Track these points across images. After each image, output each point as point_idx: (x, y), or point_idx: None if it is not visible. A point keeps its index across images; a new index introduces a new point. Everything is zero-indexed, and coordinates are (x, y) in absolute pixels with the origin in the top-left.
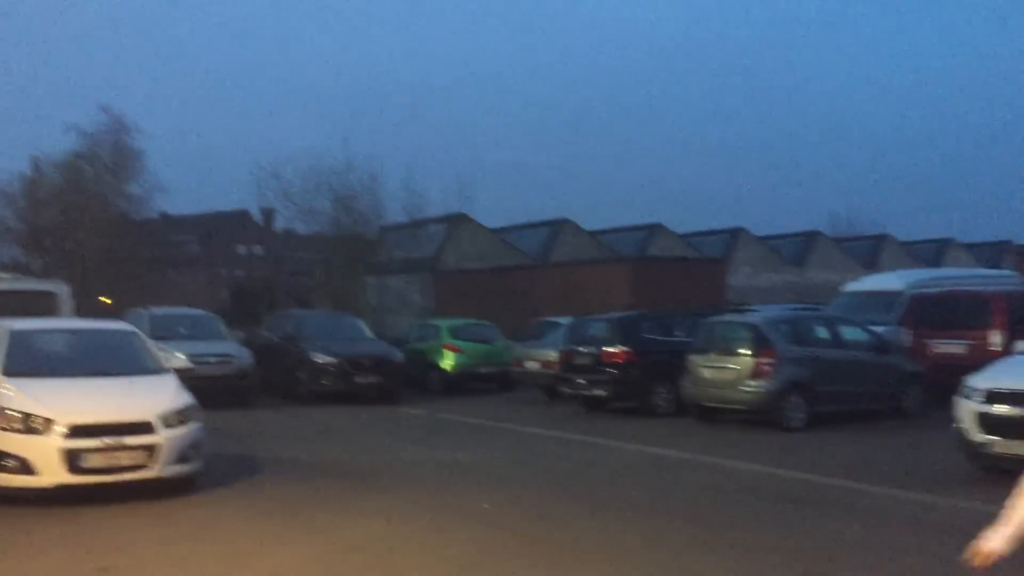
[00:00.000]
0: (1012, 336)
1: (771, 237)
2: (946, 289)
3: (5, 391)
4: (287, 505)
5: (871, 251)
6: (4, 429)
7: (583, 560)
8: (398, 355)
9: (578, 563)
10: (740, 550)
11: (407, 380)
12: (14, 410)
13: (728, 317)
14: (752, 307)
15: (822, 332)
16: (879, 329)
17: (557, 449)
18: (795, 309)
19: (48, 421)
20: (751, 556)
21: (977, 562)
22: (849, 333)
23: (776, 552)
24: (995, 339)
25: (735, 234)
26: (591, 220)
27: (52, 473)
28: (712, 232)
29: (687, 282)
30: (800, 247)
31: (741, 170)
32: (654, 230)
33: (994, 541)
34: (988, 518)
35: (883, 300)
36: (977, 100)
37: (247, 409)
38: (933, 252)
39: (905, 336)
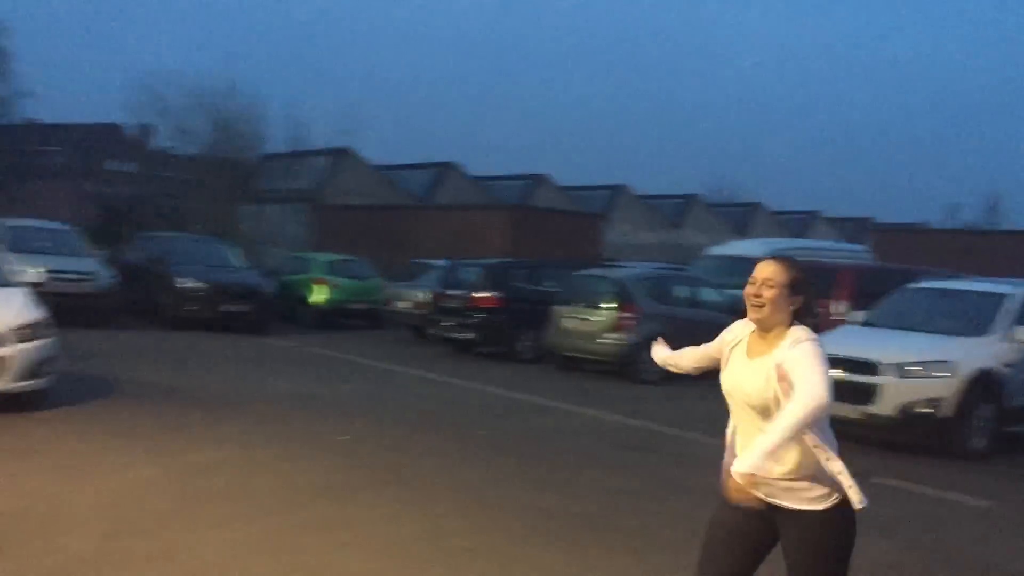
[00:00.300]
0: (856, 308)
1: (651, 197)
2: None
3: None
4: (138, 427)
5: (743, 218)
6: None
7: (427, 491)
8: (269, 285)
9: (420, 493)
10: (571, 487)
11: (278, 312)
12: None
13: (594, 271)
14: (622, 264)
15: (682, 292)
16: (737, 292)
17: (419, 388)
18: (659, 268)
19: None
20: (577, 494)
21: (738, 493)
22: (707, 295)
23: (606, 492)
24: (839, 309)
25: (617, 191)
26: (477, 166)
27: None
28: (595, 187)
29: (565, 234)
30: (678, 209)
31: (628, 129)
32: (538, 181)
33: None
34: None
35: (742, 265)
36: (860, 82)
37: (107, 330)
38: (801, 224)
39: None
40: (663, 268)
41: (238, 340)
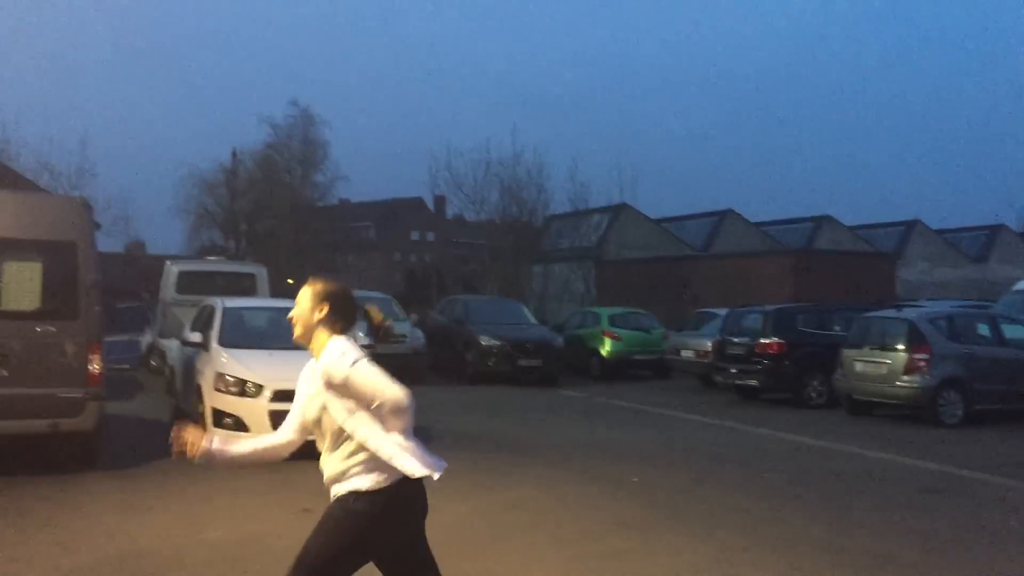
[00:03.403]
0: None
1: (950, 230)
2: None
3: (222, 359)
4: (454, 469)
5: None
6: (221, 391)
7: (712, 525)
8: (559, 340)
9: (707, 527)
10: (865, 528)
11: (567, 365)
12: (231, 375)
13: (884, 312)
14: (917, 303)
15: (983, 329)
16: None
17: (705, 434)
18: (957, 307)
19: (259, 386)
20: (872, 534)
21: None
22: (1013, 332)
23: (909, 534)
24: None
25: (910, 227)
26: (757, 212)
27: (261, 430)
28: (886, 225)
29: (853, 276)
30: (981, 242)
31: (921, 160)
32: (822, 222)
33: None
34: None
35: None
36: None
37: (419, 386)
38: None
39: None
40: (963, 306)
41: (533, 392)
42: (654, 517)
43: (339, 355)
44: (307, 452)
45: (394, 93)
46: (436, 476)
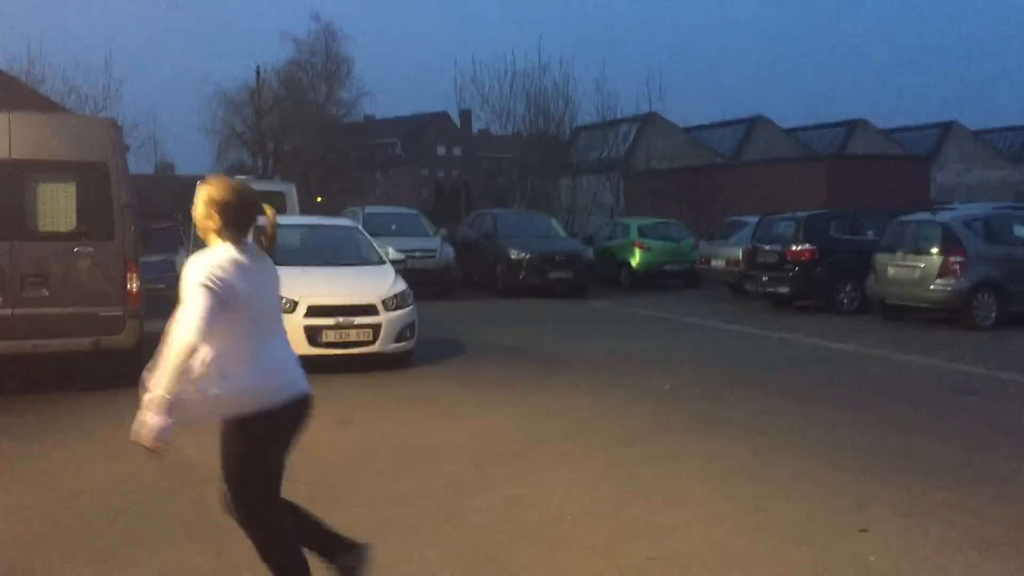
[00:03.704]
0: None
1: (989, 131)
2: None
3: None
4: (489, 379)
5: None
6: None
7: (744, 428)
8: (588, 252)
9: (740, 431)
10: (895, 428)
11: (597, 276)
12: None
13: (917, 216)
14: (951, 206)
15: (1020, 231)
16: None
17: (737, 341)
18: (994, 208)
19: (293, 303)
20: (901, 433)
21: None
22: None
23: (939, 432)
24: None
25: (945, 128)
26: (789, 118)
27: (296, 346)
28: (920, 127)
29: (886, 181)
30: (1021, 141)
31: (956, 59)
32: (855, 126)
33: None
34: None
35: None
36: None
37: (449, 300)
38: None
39: None
40: (1000, 208)
41: (563, 304)
42: (687, 422)
43: (194, 266)
44: (338, 366)
45: (417, 5)
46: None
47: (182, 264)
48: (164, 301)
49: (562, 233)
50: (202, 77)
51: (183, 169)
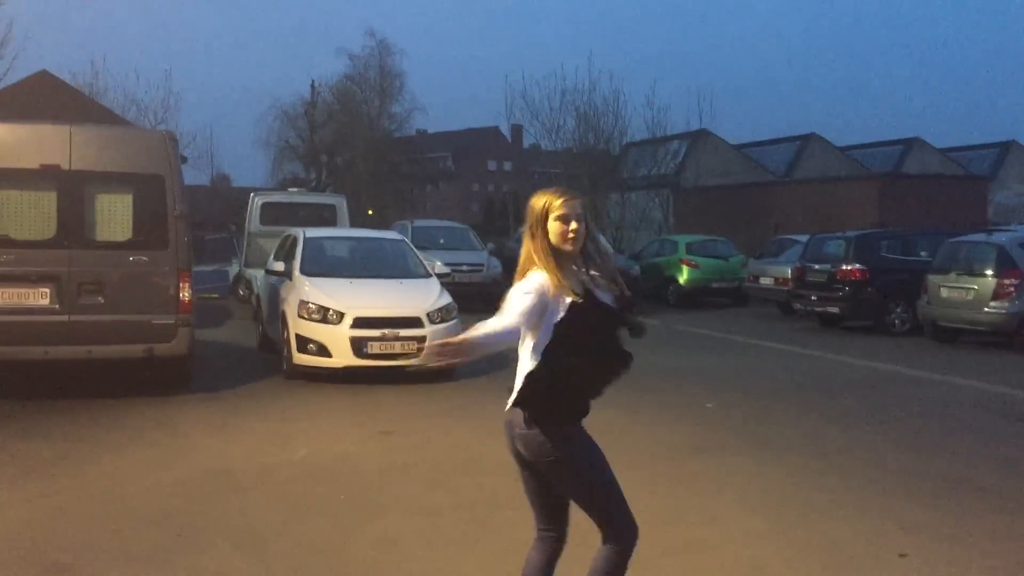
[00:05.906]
0: None
1: None
2: None
3: (304, 287)
4: None
5: None
6: (304, 318)
7: (785, 450)
8: (636, 268)
9: (780, 452)
10: (944, 452)
11: (643, 293)
12: (313, 303)
13: (971, 236)
14: (1008, 227)
15: None
16: None
17: (784, 361)
18: None
19: (340, 314)
20: (950, 459)
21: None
22: None
23: (989, 460)
24: None
25: (1005, 148)
26: (842, 136)
27: (343, 356)
28: (979, 147)
29: (942, 200)
30: None
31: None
32: (911, 145)
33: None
34: None
35: None
36: None
37: (495, 314)
38: None
39: None
40: None
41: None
42: (728, 442)
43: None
44: (382, 378)
45: (469, 21)
46: None
47: (235, 274)
48: (218, 311)
49: (610, 249)
50: (259, 92)
51: (239, 181)
